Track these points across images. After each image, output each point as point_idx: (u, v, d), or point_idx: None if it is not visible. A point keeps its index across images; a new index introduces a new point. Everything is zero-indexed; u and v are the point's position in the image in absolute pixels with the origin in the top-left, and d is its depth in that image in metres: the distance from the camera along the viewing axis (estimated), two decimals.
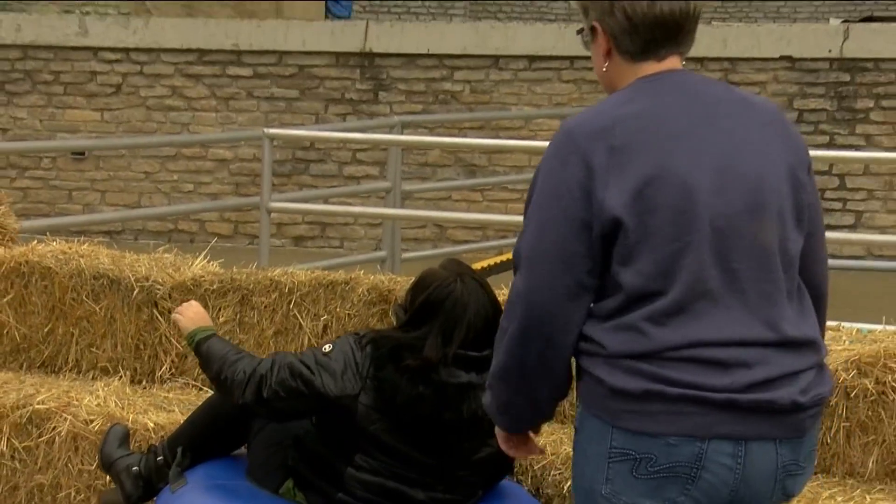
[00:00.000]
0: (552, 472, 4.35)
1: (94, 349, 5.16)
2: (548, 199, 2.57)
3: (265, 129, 7.77)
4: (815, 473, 4.00)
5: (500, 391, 2.68)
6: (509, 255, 9.90)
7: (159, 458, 4.15)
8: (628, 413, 2.49)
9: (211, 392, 4.46)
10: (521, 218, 7.11)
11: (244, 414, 4.03)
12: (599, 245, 2.50)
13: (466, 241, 10.52)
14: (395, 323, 3.86)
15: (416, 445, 3.71)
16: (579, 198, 2.50)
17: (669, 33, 2.59)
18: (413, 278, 3.88)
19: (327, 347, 3.75)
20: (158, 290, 5.07)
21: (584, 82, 10.92)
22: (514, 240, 10.17)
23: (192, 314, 4.04)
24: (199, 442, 4.14)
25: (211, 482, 4.06)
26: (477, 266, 9.44)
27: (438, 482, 3.79)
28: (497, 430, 2.81)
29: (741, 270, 2.51)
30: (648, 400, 2.47)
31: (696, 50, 9.24)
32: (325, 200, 10.05)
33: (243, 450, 4.20)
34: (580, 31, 2.80)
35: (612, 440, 2.52)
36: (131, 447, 4.38)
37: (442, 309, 3.66)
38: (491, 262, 9.70)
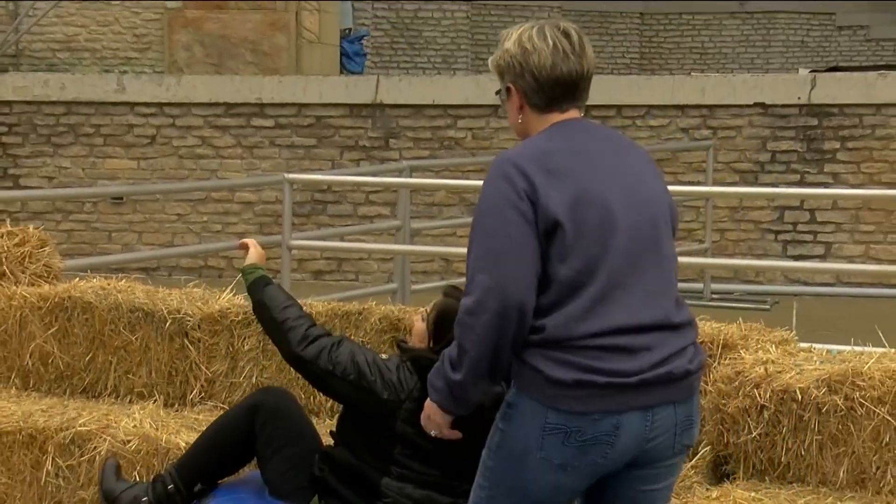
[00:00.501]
0: None
1: (130, 376, 5.14)
2: (502, 206, 2.83)
3: (285, 175, 7.77)
4: (791, 483, 3.98)
5: (466, 380, 2.89)
6: None
7: (170, 486, 4.06)
8: (562, 397, 2.81)
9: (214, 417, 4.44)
10: None
11: (248, 435, 4.00)
12: (542, 244, 2.82)
13: None
14: (398, 352, 3.89)
15: (449, 452, 3.67)
16: (528, 204, 2.81)
17: (568, 90, 2.96)
18: (430, 310, 3.88)
19: (384, 356, 3.83)
20: (189, 321, 5.06)
21: None
22: None
23: (257, 253, 4.08)
24: (207, 465, 4.09)
25: (242, 493, 4.02)
26: None
27: (462, 485, 3.75)
28: (434, 412, 3.03)
29: (646, 270, 2.87)
30: (580, 387, 2.80)
31: (677, 98, 9.23)
32: (341, 238, 10.05)
33: (247, 470, 4.15)
34: (498, 92, 3.10)
35: (547, 418, 2.83)
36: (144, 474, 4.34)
37: None
38: None
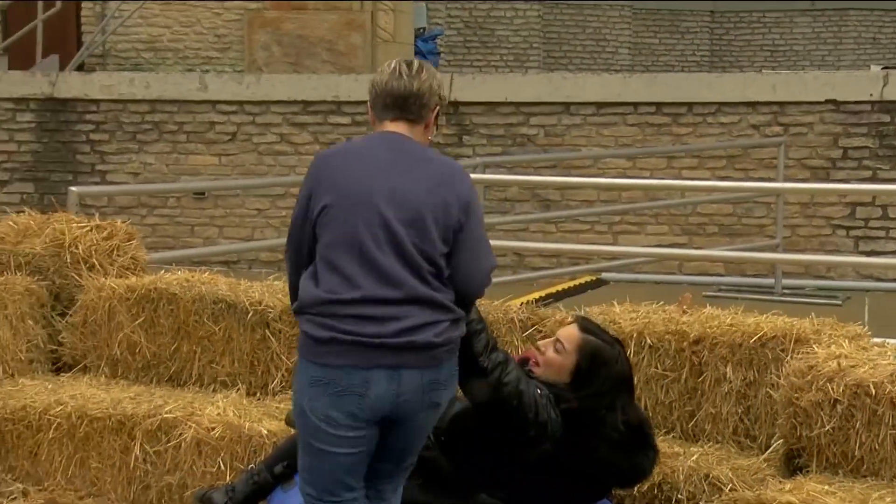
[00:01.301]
0: None
1: (214, 365, 5.21)
2: (301, 192, 3.53)
3: None
4: (864, 477, 3.93)
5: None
6: (581, 280, 9.87)
7: (255, 477, 4.10)
8: (320, 353, 3.37)
9: None
10: (592, 247, 7.00)
11: None
12: (311, 229, 3.45)
13: (542, 268, 10.47)
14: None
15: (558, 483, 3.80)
16: (307, 190, 3.48)
17: (396, 103, 3.50)
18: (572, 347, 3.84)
19: (539, 391, 3.73)
20: (270, 312, 5.11)
21: (647, 126, 10.86)
22: (586, 266, 10.11)
23: None
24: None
25: None
26: (552, 290, 9.41)
27: None
28: None
29: (400, 254, 3.37)
30: (331, 343, 3.35)
31: (747, 95, 9.12)
32: None
33: None
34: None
35: (311, 372, 3.40)
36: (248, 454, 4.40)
37: (620, 385, 3.86)
38: (564, 286, 9.67)
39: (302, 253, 3.50)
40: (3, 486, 4.97)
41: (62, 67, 13.88)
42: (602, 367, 3.82)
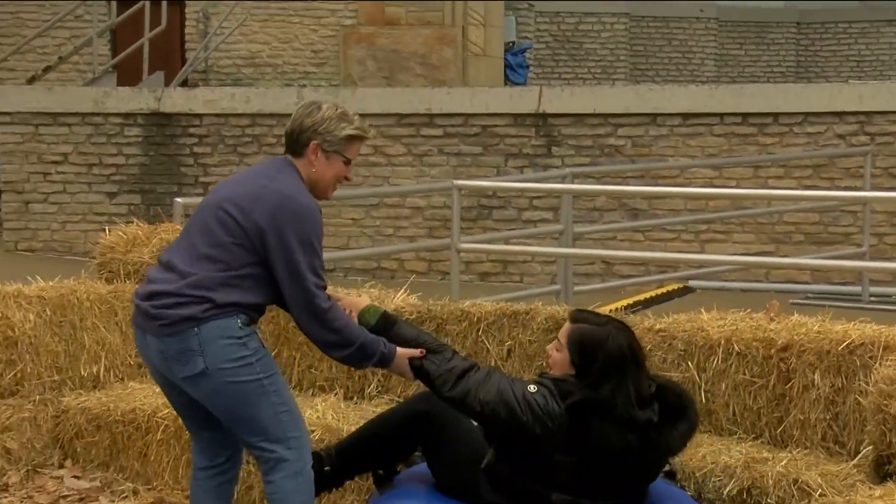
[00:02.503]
0: (712, 479, 4.27)
1: (312, 370, 5.26)
2: None
3: (454, 181, 7.83)
4: None
5: None
6: (669, 288, 9.80)
7: (326, 468, 4.08)
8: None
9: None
10: (680, 255, 6.95)
11: (407, 438, 3.99)
12: None
13: (630, 276, 10.41)
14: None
15: (604, 476, 3.70)
16: None
17: (285, 140, 3.90)
18: (565, 339, 3.79)
19: (532, 388, 3.68)
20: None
21: (734, 136, 10.75)
22: (673, 274, 10.04)
23: (354, 301, 4.05)
24: (365, 456, 4.09)
25: (417, 487, 4.05)
26: (641, 297, 9.35)
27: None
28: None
29: (191, 234, 3.85)
30: None
31: (834, 105, 8.96)
32: (507, 241, 10.08)
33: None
34: None
35: None
36: None
37: (620, 363, 3.69)
38: (652, 293, 9.61)
39: None
40: (115, 486, 5.08)
41: (167, 83, 14.15)
42: (596, 349, 3.69)
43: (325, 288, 3.77)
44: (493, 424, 3.73)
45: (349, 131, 3.81)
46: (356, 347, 3.76)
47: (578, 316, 3.84)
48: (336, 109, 3.85)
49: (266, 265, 3.72)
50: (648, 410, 3.70)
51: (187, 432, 4.91)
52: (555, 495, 3.68)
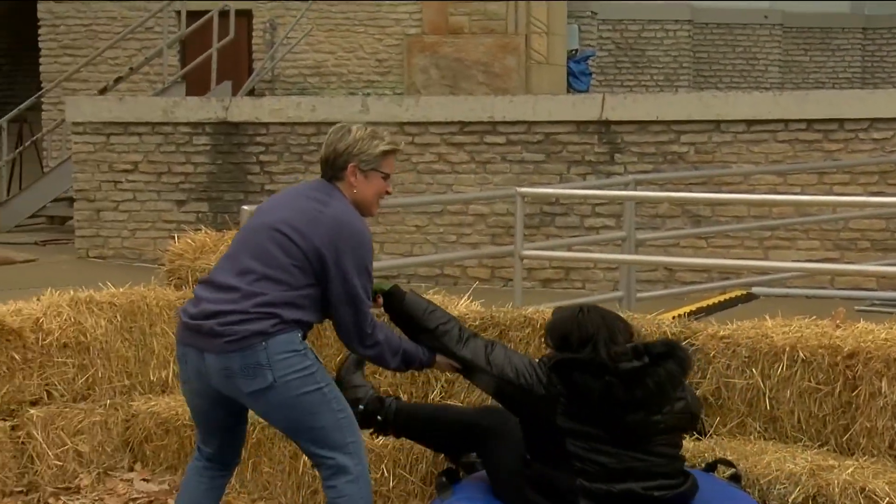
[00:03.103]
0: (777, 486, 4.22)
1: (377, 375, 5.24)
2: None
3: (517, 188, 7.82)
4: None
5: None
6: (732, 294, 9.69)
7: (379, 417, 4.26)
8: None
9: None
10: (743, 262, 6.89)
11: (461, 443, 4.14)
12: None
13: (693, 283, 10.32)
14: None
15: (613, 437, 3.78)
16: None
17: (321, 166, 3.98)
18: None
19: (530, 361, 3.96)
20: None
21: (798, 142, 10.62)
22: (736, 281, 9.93)
23: None
24: (419, 431, 4.27)
25: (477, 495, 4.05)
26: (704, 304, 9.25)
27: (649, 474, 3.76)
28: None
29: (242, 254, 3.92)
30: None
31: None
32: (569, 248, 10.04)
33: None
34: None
35: None
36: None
37: (593, 330, 3.88)
38: (715, 300, 9.50)
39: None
40: None
41: (234, 93, 14.30)
42: (566, 326, 3.94)
43: (370, 308, 3.95)
44: (500, 387, 3.91)
45: (382, 147, 3.95)
46: (400, 359, 4.00)
47: (554, 313, 4.12)
48: (366, 129, 3.98)
49: (321, 287, 3.85)
50: (626, 362, 3.83)
51: (253, 436, 4.97)
52: (578, 481, 3.77)
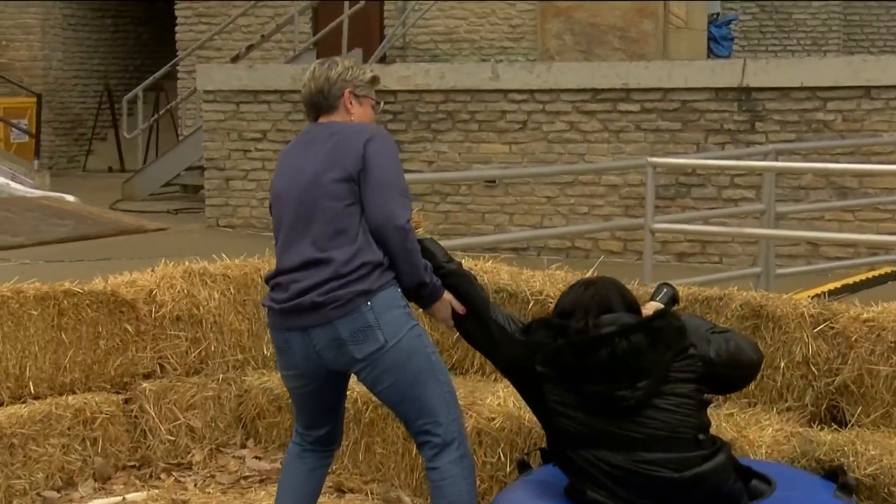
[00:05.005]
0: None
1: None
2: None
3: (648, 158, 7.56)
4: None
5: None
6: (881, 271, 9.24)
7: None
8: (268, 316, 3.93)
9: None
10: (892, 237, 6.47)
11: None
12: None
13: (838, 258, 9.89)
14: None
15: (592, 411, 3.57)
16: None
17: (310, 107, 3.96)
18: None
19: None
20: (551, 302, 4.95)
21: None
22: (885, 257, 9.48)
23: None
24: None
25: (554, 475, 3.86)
26: (849, 281, 8.85)
27: (633, 445, 3.49)
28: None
29: (305, 227, 3.80)
30: (267, 309, 3.91)
31: None
32: (705, 221, 9.70)
33: None
34: None
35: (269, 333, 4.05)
36: None
37: (578, 302, 3.70)
38: (861, 277, 9.08)
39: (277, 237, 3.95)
40: None
41: (365, 60, 14.22)
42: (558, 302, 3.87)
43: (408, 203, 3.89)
44: (500, 341, 3.83)
45: (370, 74, 4.02)
46: (424, 266, 3.81)
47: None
48: (350, 61, 4.06)
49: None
50: (610, 327, 3.60)
51: (366, 416, 4.86)
52: (571, 452, 3.61)
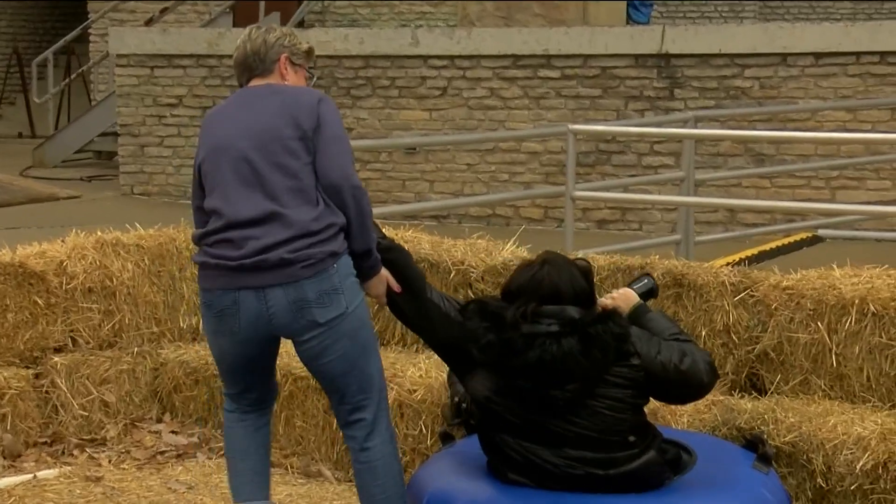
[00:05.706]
0: (844, 452, 3.96)
1: None
2: None
3: (569, 126, 7.54)
4: None
5: None
6: (796, 237, 9.35)
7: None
8: (200, 277, 3.70)
9: None
10: (808, 204, 6.48)
11: None
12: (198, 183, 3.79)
13: (756, 225, 9.99)
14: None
15: (525, 405, 3.43)
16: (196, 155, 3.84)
17: (243, 69, 3.88)
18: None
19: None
20: (472, 272, 4.92)
21: (870, 76, 10.18)
22: (801, 223, 9.58)
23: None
24: None
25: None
26: (766, 247, 8.93)
27: (562, 441, 3.40)
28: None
29: (260, 180, 3.62)
30: (204, 268, 3.67)
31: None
32: (625, 188, 9.74)
33: None
34: None
35: (200, 295, 3.75)
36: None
37: (525, 287, 3.48)
38: (778, 243, 9.18)
39: (196, 203, 3.78)
40: (213, 442, 4.96)
41: (283, 24, 14.00)
42: (512, 277, 3.65)
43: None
44: (435, 321, 3.70)
45: (306, 46, 3.98)
46: (370, 231, 3.71)
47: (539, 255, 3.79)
48: (288, 28, 4.03)
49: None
50: (544, 326, 3.40)
51: (286, 389, 4.78)
52: (498, 437, 3.49)
